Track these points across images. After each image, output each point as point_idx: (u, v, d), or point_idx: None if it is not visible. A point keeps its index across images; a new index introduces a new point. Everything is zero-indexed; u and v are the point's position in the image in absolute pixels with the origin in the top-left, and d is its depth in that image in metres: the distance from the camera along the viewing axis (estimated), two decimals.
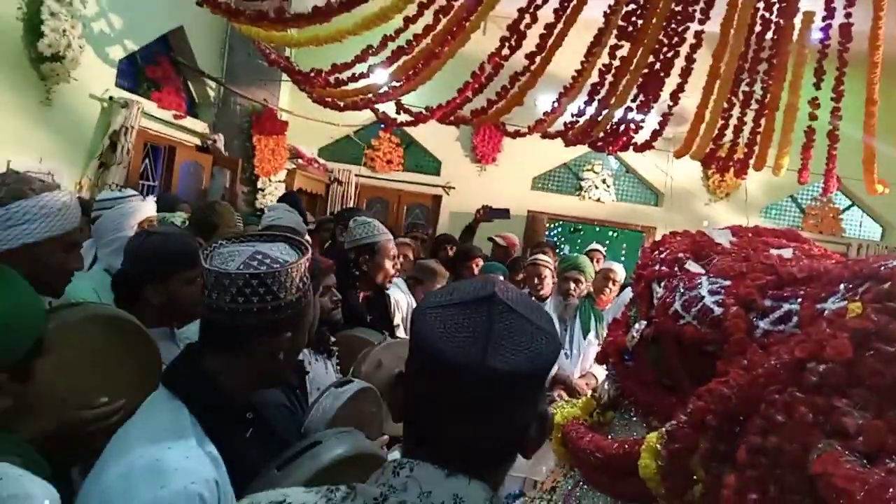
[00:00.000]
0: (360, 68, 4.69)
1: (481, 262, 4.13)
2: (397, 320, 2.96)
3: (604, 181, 8.03)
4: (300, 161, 7.07)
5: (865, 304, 0.88)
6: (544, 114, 5.08)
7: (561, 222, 8.15)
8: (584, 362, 3.44)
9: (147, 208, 2.50)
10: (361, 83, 4.86)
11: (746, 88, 4.39)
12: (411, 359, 0.74)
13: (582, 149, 6.78)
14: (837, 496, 0.72)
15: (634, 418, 1.34)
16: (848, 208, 8.05)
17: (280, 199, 4.76)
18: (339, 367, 1.95)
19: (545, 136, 5.23)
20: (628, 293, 2.46)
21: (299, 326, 1.15)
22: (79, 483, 1.13)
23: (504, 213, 5.58)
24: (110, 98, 4.87)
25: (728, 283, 1.17)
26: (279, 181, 6.68)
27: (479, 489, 0.69)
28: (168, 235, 1.73)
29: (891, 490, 0.69)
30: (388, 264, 2.64)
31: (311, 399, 1.58)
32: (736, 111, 4.57)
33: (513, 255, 5.25)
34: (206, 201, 4.25)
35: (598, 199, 8.01)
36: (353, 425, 1.34)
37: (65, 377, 1.22)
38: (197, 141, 6.20)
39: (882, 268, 0.93)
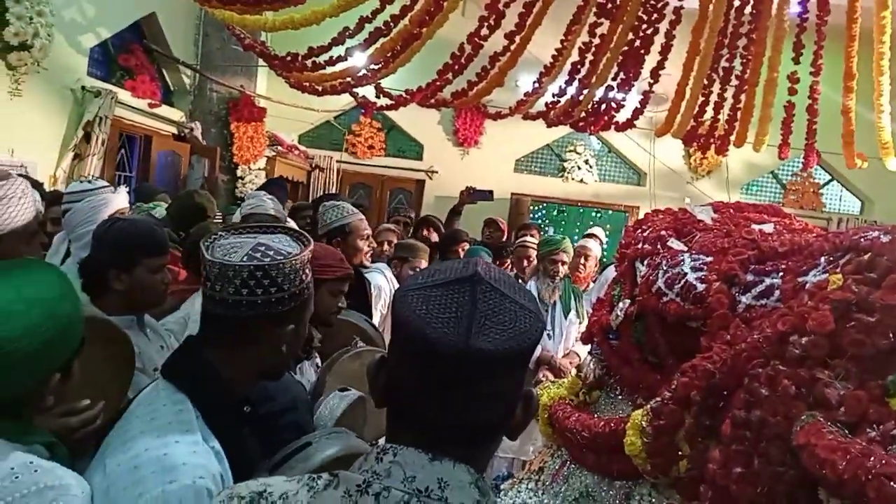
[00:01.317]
0: (337, 51, 4.61)
1: (468, 247, 4.11)
2: (379, 306, 2.94)
3: (586, 162, 8.03)
4: (280, 148, 6.98)
5: (846, 275, 0.89)
6: (525, 94, 5.05)
7: (545, 204, 8.15)
8: (566, 342, 3.46)
9: (118, 200, 2.41)
10: (339, 67, 4.79)
11: (726, 64, 4.39)
12: (393, 341, 0.73)
13: (564, 130, 6.77)
14: (820, 466, 0.73)
15: (620, 396, 1.34)
16: (827, 183, 8.14)
17: (263, 186, 4.69)
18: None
19: (527, 116, 5.20)
20: (612, 272, 2.47)
21: (301, 318, 1.15)
22: None
23: (488, 195, 5.57)
24: (83, 87, 4.74)
25: (710, 259, 1.16)
26: (259, 169, 6.59)
27: (464, 472, 0.68)
28: (134, 222, 1.69)
29: (871, 459, 0.70)
30: (363, 244, 2.63)
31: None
32: (716, 88, 4.57)
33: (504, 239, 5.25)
34: (185, 191, 4.17)
35: (582, 180, 8.02)
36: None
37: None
38: (173, 130, 6.08)
39: (862, 240, 0.93)
